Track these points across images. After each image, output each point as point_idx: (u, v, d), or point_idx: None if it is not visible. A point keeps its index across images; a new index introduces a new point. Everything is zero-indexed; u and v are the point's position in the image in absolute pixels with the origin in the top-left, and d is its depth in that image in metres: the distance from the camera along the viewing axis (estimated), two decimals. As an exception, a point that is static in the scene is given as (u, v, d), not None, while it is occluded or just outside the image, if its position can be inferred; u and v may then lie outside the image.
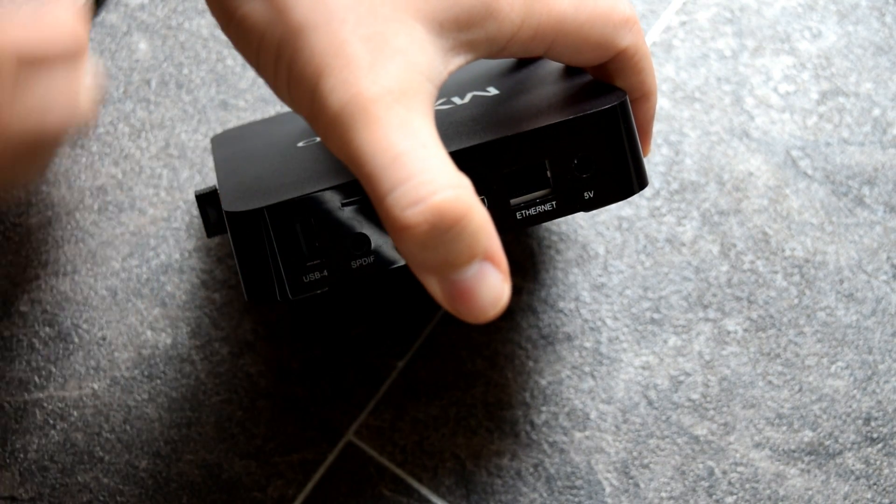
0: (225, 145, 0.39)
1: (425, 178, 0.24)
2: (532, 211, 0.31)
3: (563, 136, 0.30)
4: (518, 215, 0.31)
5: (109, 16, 0.47)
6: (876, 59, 0.45)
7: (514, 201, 0.31)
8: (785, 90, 0.45)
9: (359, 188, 0.29)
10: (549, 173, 0.31)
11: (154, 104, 0.46)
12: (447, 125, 0.32)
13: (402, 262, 0.30)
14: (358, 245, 0.30)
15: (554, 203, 0.31)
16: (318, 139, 0.35)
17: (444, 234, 0.24)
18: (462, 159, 0.28)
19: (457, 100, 0.35)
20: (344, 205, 0.29)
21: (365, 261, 0.30)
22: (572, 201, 0.31)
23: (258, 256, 0.29)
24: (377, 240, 0.30)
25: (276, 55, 0.26)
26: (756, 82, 0.45)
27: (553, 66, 0.36)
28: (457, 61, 0.28)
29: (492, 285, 0.26)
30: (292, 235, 0.29)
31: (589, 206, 0.31)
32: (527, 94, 0.34)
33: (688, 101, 0.45)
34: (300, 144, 0.36)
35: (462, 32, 0.28)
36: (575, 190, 0.31)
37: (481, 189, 0.29)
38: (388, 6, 0.26)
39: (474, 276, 0.25)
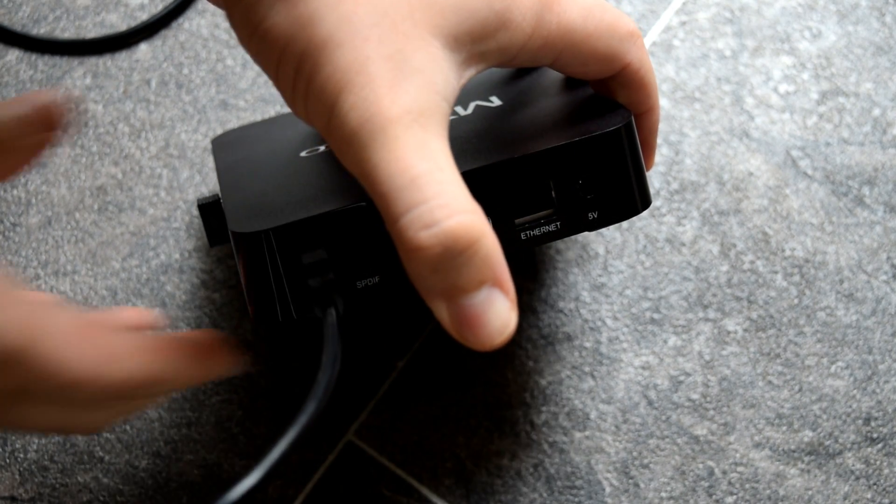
0: (226, 150, 0.39)
1: (441, 201, 0.24)
2: (536, 231, 0.31)
3: (568, 157, 0.30)
4: (522, 235, 0.31)
5: (109, 16, 0.47)
6: (876, 59, 0.45)
7: (518, 221, 0.31)
8: (785, 90, 0.45)
9: (366, 211, 0.29)
10: (553, 194, 0.31)
11: (154, 104, 0.46)
12: (452, 140, 0.33)
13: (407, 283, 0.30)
14: (364, 266, 0.30)
15: (558, 223, 0.31)
16: (322, 148, 0.35)
17: (455, 257, 0.25)
18: (468, 180, 0.28)
19: (460, 110, 0.35)
20: (350, 225, 0.29)
21: (370, 281, 0.30)
22: (576, 221, 0.31)
23: (263, 277, 0.29)
24: (383, 261, 0.30)
25: (297, 69, 0.26)
26: (756, 82, 0.45)
27: (556, 75, 0.36)
28: (468, 73, 0.28)
29: (499, 312, 0.26)
30: (298, 257, 0.29)
31: (593, 226, 0.31)
32: (530, 107, 0.34)
33: (688, 101, 0.45)
34: (303, 154, 0.35)
35: (475, 44, 0.28)
36: (579, 210, 0.31)
37: (486, 209, 0.29)
38: (409, 23, 0.26)
39: (482, 302, 0.25)
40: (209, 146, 0.45)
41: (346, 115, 0.25)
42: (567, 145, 0.30)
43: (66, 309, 0.27)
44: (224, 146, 0.40)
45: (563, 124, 0.32)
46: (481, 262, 0.25)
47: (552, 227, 0.31)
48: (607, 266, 0.43)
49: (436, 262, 0.25)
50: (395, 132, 0.25)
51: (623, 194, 0.31)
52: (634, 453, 0.41)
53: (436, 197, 0.24)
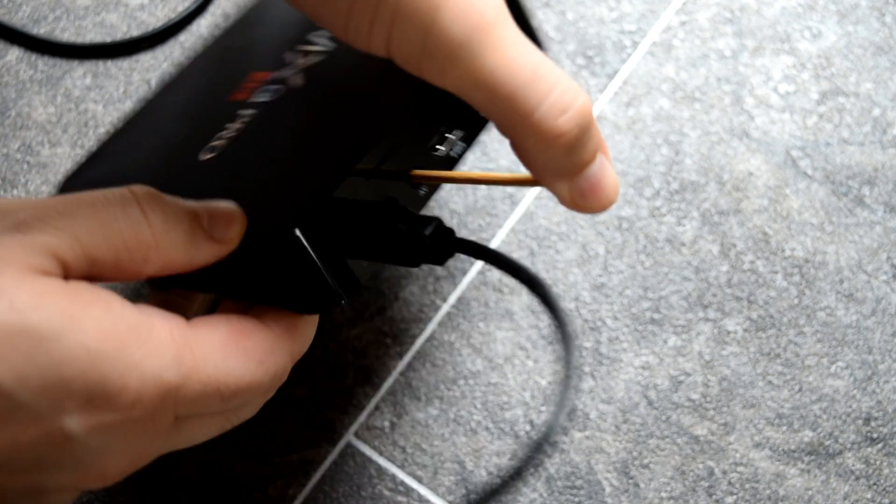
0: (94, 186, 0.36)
1: (564, 86, 0.26)
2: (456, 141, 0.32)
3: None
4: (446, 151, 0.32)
5: (109, 16, 0.47)
6: (876, 59, 0.45)
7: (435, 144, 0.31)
8: (785, 90, 0.45)
9: (344, 167, 0.29)
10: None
11: (154, 104, 0.46)
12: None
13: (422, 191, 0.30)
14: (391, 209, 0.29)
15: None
16: (217, 146, 0.33)
17: (585, 135, 0.26)
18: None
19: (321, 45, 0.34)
20: (358, 176, 0.29)
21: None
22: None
23: (311, 268, 0.28)
24: (399, 196, 0.30)
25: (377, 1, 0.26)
26: (756, 82, 0.45)
27: None
28: None
29: (611, 172, 0.27)
30: (329, 236, 0.28)
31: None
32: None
33: (688, 101, 0.45)
34: (204, 158, 0.33)
35: None
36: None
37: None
38: None
39: (599, 169, 0.27)
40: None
41: (449, 30, 0.25)
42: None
43: (208, 324, 0.28)
44: (87, 187, 0.36)
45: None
46: (595, 132, 0.27)
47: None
48: (607, 266, 0.43)
49: (573, 144, 0.26)
50: (498, 34, 0.26)
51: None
52: (634, 453, 0.41)
53: (559, 83, 0.26)
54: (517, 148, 0.27)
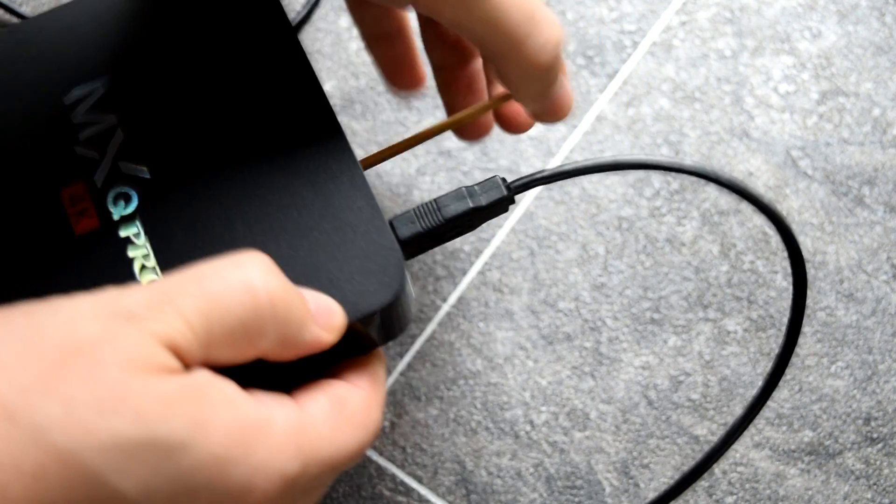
0: None
1: (550, 20, 0.31)
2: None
3: None
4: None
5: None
6: (876, 59, 0.45)
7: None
8: (785, 90, 0.45)
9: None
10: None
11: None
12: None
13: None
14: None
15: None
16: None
17: (559, 59, 0.31)
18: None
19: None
20: None
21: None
22: None
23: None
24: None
25: None
26: (756, 82, 0.45)
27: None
28: None
29: (568, 88, 0.33)
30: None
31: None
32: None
33: (688, 101, 0.45)
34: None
35: None
36: None
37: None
38: None
39: (562, 84, 0.32)
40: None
41: None
42: None
43: (310, 399, 0.28)
44: None
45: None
46: (561, 57, 0.32)
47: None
48: (607, 266, 0.43)
49: (553, 67, 0.31)
50: None
51: None
52: (634, 453, 0.41)
53: (545, 17, 0.30)
54: (502, 72, 0.31)
